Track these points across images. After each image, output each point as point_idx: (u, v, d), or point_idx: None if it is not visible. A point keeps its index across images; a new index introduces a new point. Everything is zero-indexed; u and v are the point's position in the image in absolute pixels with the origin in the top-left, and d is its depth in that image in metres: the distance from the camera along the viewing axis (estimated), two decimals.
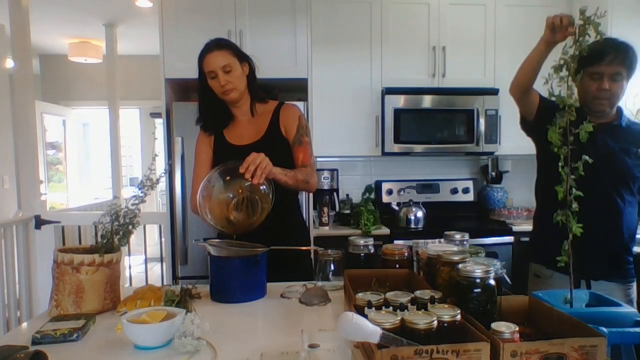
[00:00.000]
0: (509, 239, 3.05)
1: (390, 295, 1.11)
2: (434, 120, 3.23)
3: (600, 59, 1.63)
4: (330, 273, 1.57)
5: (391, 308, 1.02)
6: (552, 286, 1.71)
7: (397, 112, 3.17)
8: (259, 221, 1.56)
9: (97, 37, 4.98)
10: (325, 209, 3.15)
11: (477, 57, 3.27)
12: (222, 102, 1.79)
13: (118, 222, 1.42)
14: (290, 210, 1.87)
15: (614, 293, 1.66)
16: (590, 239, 1.43)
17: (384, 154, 3.24)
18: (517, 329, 0.92)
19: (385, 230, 3.07)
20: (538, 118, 1.78)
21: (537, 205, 1.96)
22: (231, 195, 1.57)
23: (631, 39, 3.20)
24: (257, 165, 1.43)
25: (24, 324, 1.38)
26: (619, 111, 1.80)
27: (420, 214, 3.18)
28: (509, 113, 3.18)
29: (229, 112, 1.83)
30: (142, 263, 4.72)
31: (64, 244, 3.91)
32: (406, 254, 1.46)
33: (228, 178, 1.57)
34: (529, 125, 1.87)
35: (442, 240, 1.49)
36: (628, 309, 1.18)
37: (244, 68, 1.75)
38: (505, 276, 1.24)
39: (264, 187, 1.54)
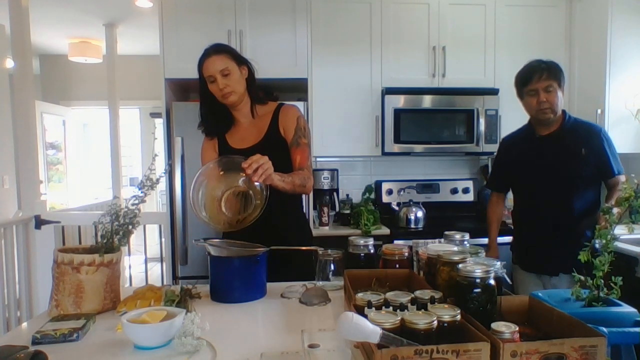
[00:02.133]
0: (509, 239, 3.03)
1: (390, 295, 1.11)
2: (434, 121, 3.23)
3: (532, 78, 1.99)
4: (330, 273, 1.57)
5: (391, 308, 1.02)
6: (516, 273, 2.26)
7: (397, 112, 3.17)
8: (249, 219, 1.55)
9: (97, 37, 4.98)
10: (325, 209, 3.15)
11: (477, 57, 3.26)
12: (223, 106, 1.81)
13: (118, 222, 1.43)
14: (292, 206, 1.88)
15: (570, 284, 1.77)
16: (550, 242, 2.02)
17: (384, 154, 3.23)
18: (517, 329, 0.92)
19: (385, 230, 3.07)
20: (502, 186, 2.39)
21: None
22: (225, 188, 1.57)
23: (631, 38, 3.19)
24: (259, 165, 1.44)
25: (24, 324, 1.38)
26: (563, 115, 2.07)
27: (420, 214, 3.18)
28: (509, 113, 3.19)
29: (230, 115, 1.85)
30: (142, 263, 4.72)
31: (64, 244, 3.91)
32: (406, 254, 1.46)
33: (222, 173, 1.58)
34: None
35: (442, 240, 1.50)
36: (628, 309, 1.18)
37: (242, 71, 1.77)
38: (505, 276, 1.24)
39: (259, 184, 1.54)
